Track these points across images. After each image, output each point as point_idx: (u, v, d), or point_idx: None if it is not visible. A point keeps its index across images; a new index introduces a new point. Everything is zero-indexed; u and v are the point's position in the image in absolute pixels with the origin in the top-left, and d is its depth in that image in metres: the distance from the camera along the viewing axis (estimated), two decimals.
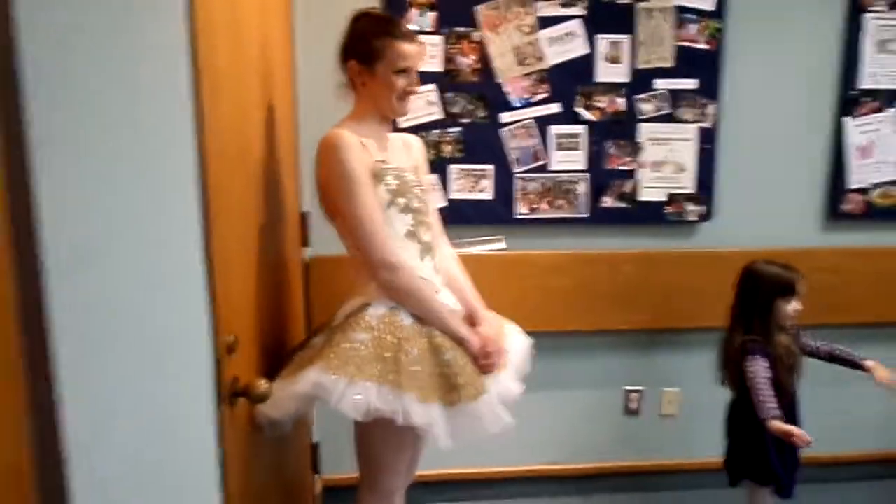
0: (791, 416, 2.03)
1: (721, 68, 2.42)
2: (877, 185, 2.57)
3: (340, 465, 2.36)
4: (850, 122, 2.51)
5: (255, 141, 1.63)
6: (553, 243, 2.47)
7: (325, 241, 1.92)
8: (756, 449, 2.03)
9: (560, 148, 2.41)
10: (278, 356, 1.72)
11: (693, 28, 2.38)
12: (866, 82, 2.48)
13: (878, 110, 2.51)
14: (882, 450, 2.79)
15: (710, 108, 2.44)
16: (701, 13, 2.37)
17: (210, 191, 1.09)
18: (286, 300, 1.98)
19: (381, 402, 1.50)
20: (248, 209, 1.54)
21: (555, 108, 2.38)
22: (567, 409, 2.63)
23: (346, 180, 1.57)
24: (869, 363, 2.08)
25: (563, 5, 2.32)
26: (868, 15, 2.44)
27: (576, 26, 2.34)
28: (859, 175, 2.55)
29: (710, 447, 2.30)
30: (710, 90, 2.42)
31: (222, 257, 1.17)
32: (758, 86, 2.47)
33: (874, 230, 2.61)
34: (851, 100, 2.49)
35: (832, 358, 2.13)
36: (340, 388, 1.49)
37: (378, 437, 1.66)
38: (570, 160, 2.42)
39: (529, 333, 1.89)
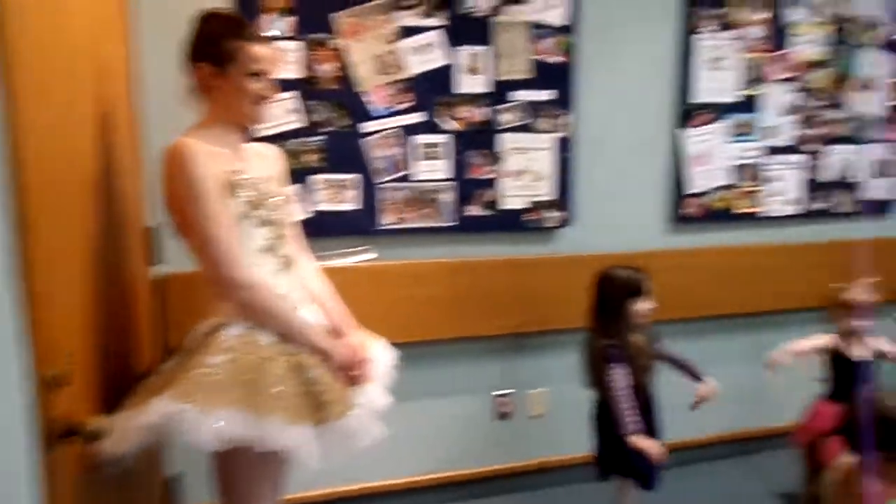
0: (648, 413, 2.18)
1: (574, 81, 2.54)
2: (713, 190, 2.81)
3: (205, 495, 2.19)
4: (686, 133, 2.73)
5: (88, 146, 1.48)
6: (421, 252, 2.47)
7: (181, 258, 1.78)
8: (620, 447, 2.13)
9: (424, 157, 2.41)
10: (125, 385, 1.56)
11: (547, 42, 2.48)
12: (700, 96, 2.72)
13: (711, 122, 2.76)
14: (737, 429, 3.04)
15: (566, 119, 2.55)
16: (553, 28, 2.48)
17: (25, 206, 0.96)
18: (132, 323, 1.81)
19: (240, 428, 1.40)
20: (81, 225, 1.39)
21: (418, 117, 2.38)
22: (441, 417, 2.63)
23: (195, 193, 1.47)
24: (704, 380, 2.23)
25: (424, 16, 2.33)
26: (698, 35, 2.67)
27: (436, 37, 2.36)
28: (697, 181, 2.78)
29: (579, 443, 2.40)
30: (565, 102, 2.54)
31: (43, 280, 1.04)
32: (607, 98, 2.62)
33: (713, 231, 2.85)
34: (687, 112, 2.71)
35: (678, 366, 2.29)
36: (193, 418, 1.38)
37: (239, 466, 1.56)
38: (434, 169, 2.43)
39: (401, 344, 1.87)
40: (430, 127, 2.40)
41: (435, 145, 2.42)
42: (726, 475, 2.91)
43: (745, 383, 2.95)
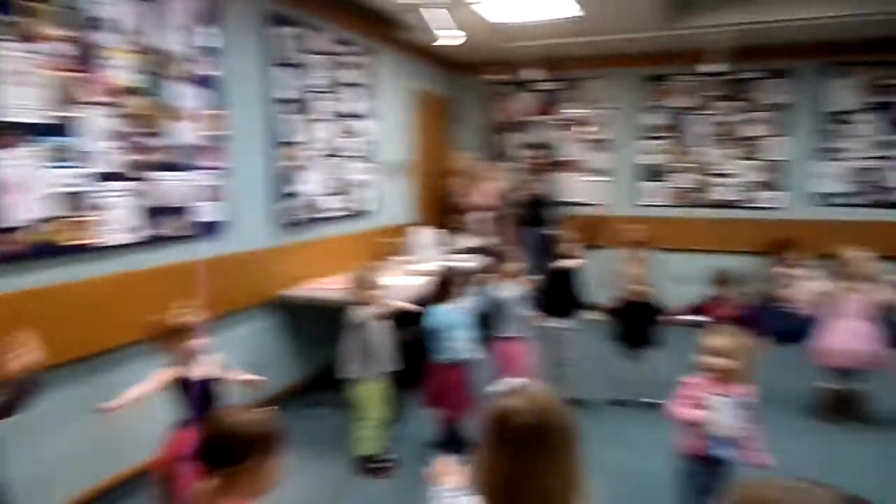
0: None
1: None
2: (34, 223, 2.43)
3: None
4: None
5: None
6: None
7: None
8: None
9: None
10: None
11: None
12: (2, 114, 2.30)
13: (20, 144, 2.37)
14: (95, 483, 2.76)
15: None
16: None
17: None
18: None
19: None
20: None
21: None
22: None
23: None
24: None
25: None
26: None
27: None
28: (11, 213, 2.36)
29: None
30: None
31: None
32: None
33: (38, 270, 2.47)
34: None
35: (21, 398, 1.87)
36: None
37: None
38: None
39: None
40: None
41: None
42: None
43: (98, 432, 2.70)
